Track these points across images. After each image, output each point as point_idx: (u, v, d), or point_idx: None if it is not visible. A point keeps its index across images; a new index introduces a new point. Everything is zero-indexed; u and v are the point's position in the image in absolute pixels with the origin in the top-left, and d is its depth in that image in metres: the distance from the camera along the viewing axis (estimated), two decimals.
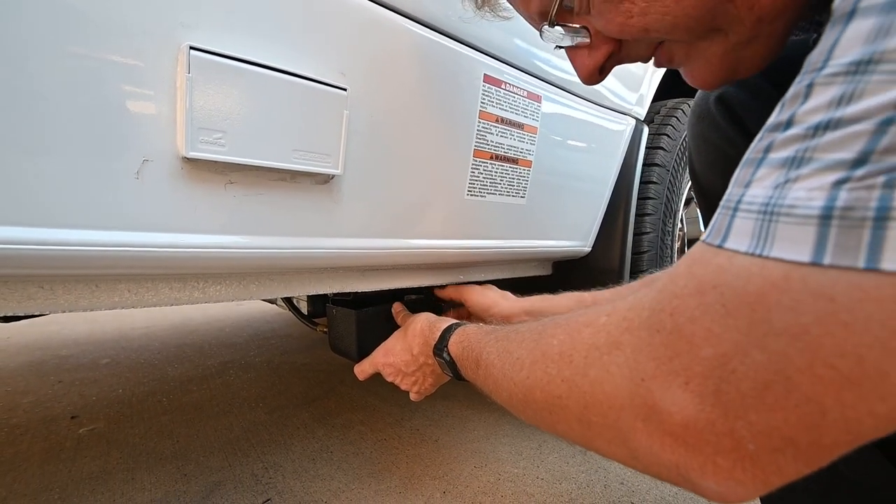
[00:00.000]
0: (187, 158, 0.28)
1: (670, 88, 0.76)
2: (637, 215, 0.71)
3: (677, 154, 0.78)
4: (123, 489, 0.59)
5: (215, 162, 0.29)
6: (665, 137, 0.75)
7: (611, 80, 0.63)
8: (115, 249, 0.27)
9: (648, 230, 0.73)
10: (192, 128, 0.27)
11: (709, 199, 0.45)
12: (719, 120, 0.41)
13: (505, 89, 0.47)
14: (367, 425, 0.78)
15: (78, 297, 0.31)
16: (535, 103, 0.51)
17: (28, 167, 0.24)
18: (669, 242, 0.79)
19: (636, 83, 0.67)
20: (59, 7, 0.23)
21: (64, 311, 0.31)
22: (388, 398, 0.89)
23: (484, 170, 0.48)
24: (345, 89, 0.34)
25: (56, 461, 0.66)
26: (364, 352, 0.50)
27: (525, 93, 0.50)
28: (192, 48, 0.26)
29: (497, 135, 0.48)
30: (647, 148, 0.72)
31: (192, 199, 0.29)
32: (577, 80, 0.56)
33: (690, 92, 0.87)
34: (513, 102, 0.48)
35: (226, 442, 0.72)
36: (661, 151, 0.74)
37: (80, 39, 0.24)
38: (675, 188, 0.79)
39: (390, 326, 0.53)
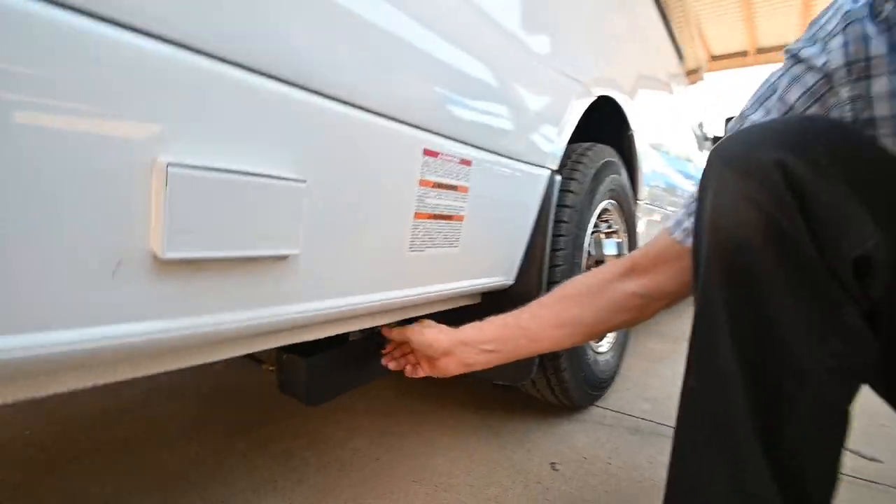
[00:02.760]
0: (163, 259, 0.31)
1: (575, 137, 0.88)
2: (551, 250, 0.82)
3: (584, 196, 0.91)
4: None
5: (189, 259, 0.32)
6: (574, 182, 0.88)
7: (531, 137, 0.73)
8: (91, 345, 0.30)
9: (560, 263, 0.84)
10: (170, 232, 0.30)
11: (731, 255, 0.36)
12: (780, 185, 0.33)
13: (441, 158, 0.54)
14: (309, 451, 0.81)
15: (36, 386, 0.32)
16: (467, 167, 0.59)
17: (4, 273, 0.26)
18: (578, 269, 0.92)
19: (551, 139, 0.78)
20: (45, 128, 0.25)
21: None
22: (328, 420, 0.93)
23: (423, 228, 0.55)
24: (304, 181, 0.38)
25: None
26: (314, 395, 0.54)
27: (458, 159, 0.57)
28: (169, 164, 0.30)
29: (434, 197, 0.55)
30: (559, 192, 0.84)
31: (164, 291, 0.32)
32: (504, 141, 0.64)
33: (594, 138, 1.01)
34: (448, 169, 0.56)
35: (162, 480, 0.71)
36: (570, 194, 0.86)
37: (64, 156, 0.26)
38: (582, 224, 0.92)
39: (340, 371, 0.57)
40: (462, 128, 0.57)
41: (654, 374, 1.34)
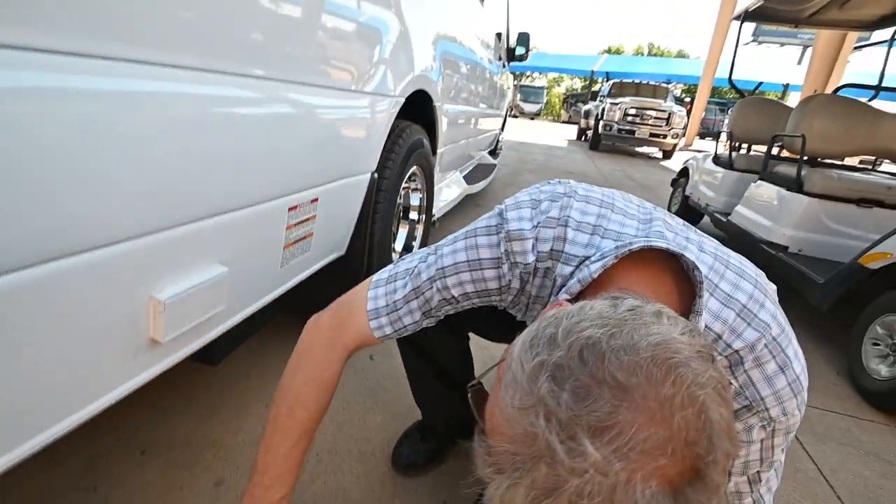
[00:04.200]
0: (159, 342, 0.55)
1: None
2: (371, 222, 1.17)
3: (396, 173, 1.24)
4: None
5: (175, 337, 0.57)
6: (388, 170, 1.19)
7: (357, 157, 1.00)
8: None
9: (378, 224, 1.20)
10: (169, 327, 0.55)
11: None
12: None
13: (301, 209, 0.80)
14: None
15: None
16: (314, 203, 0.86)
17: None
18: (391, 219, 1.29)
19: (372, 151, 1.06)
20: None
21: None
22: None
23: (288, 252, 0.82)
24: (227, 268, 0.63)
25: None
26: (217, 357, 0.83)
27: (308, 200, 0.83)
28: (166, 302, 0.53)
29: (295, 230, 0.82)
30: (377, 182, 1.15)
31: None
32: (338, 170, 0.90)
33: (413, 116, 1.30)
34: (302, 210, 0.82)
35: None
36: (385, 181, 1.19)
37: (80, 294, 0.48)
38: (394, 191, 1.26)
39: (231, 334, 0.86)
40: (310, 180, 0.82)
41: None
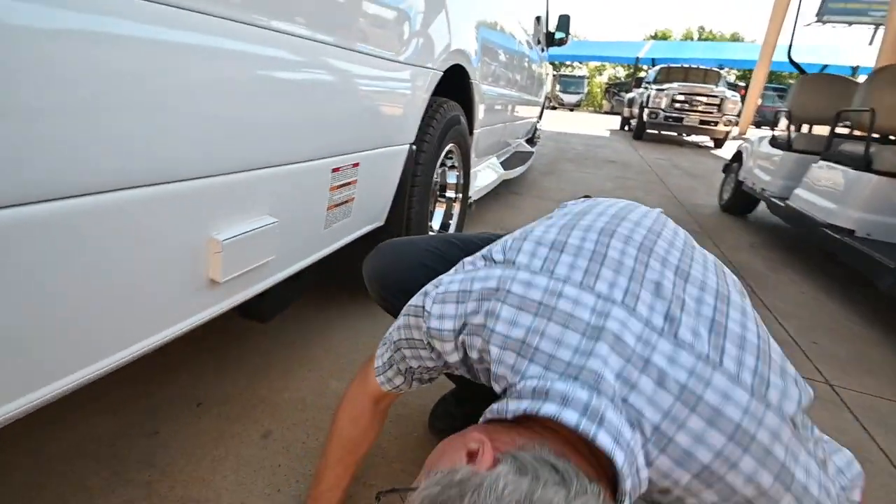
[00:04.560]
0: (218, 282, 0.59)
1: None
2: (409, 195, 1.19)
3: (433, 148, 1.25)
4: None
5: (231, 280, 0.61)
6: (426, 143, 1.21)
7: (395, 126, 1.01)
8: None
9: (415, 198, 1.22)
10: (226, 268, 0.58)
11: None
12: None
13: (344, 171, 0.83)
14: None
15: None
16: (355, 168, 0.88)
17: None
18: (428, 195, 1.31)
19: (410, 123, 1.08)
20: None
21: None
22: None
23: (334, 211, 0.85)
24: (277, 220, 0.66)
25: None
26: (267, 313, 0.87)
27: (350, 164, 0.86)
28: (223, 241, 0.56)
29: (338, 193, 0.85)
30: (415, 155, 1.17)
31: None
32: (377, 138, 0.92)
33: (450, 92, 1.30)
34: (344, 173, 0.85)
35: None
36: (423, 154, 1.20)
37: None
38: (431, 168, 1.28)
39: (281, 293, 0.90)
40: (352, 145, 0.84)
41: None
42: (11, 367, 0.39)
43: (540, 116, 4.57)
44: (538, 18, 3.35)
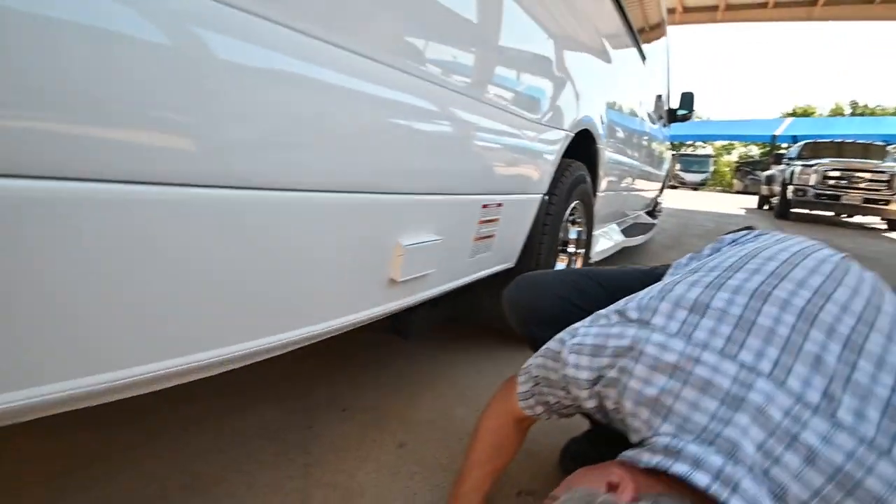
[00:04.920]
0: (396, 280, 0.72)
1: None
2: (538, 242, 1.27)
3: (561, 203, 1.34)
4: None
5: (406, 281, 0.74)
6: (555, 196, 1.31)
7: (532, 178, 1.14)
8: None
9: (543, 246, 1.30)
10: (405, 269, 0.72)
11: None
12: None
13: (490, 209, 0.96)
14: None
15: None
16: (499, 207, 1.00)
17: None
18: (554, 248, 1.38)
19: (543, 176, 1.20)
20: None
21: None
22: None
23: (478, 244, 0.97)
24: (440, 238, 0.80)
25: None
26: (416, 333, 0.99)
27: (495, 203, 0.98)
28: (405, 245, 0.70)
29: (483, 227, 0.97)
30: (546, 206, 1.27)
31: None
32: (517, 185, 1.06)
33: (578, 155, 1.42)
34: (490, 210, 0.97)
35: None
36: (552, 206, 1.30)
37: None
38: (558, 221, 1.36)
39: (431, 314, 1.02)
40: (499, 187, 0.98)
41: None
42: (271, 311, 0.54)
43: (661, 191, 4.45)
44: (659, 97, 3.42)
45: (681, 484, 0.38)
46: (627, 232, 2.73)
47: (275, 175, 0.47)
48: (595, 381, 0.49)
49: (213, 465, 0.85)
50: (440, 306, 1.08)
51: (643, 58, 2.46)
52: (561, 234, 1.50)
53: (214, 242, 0.43)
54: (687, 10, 10.25)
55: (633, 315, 0.49)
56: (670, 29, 3.72)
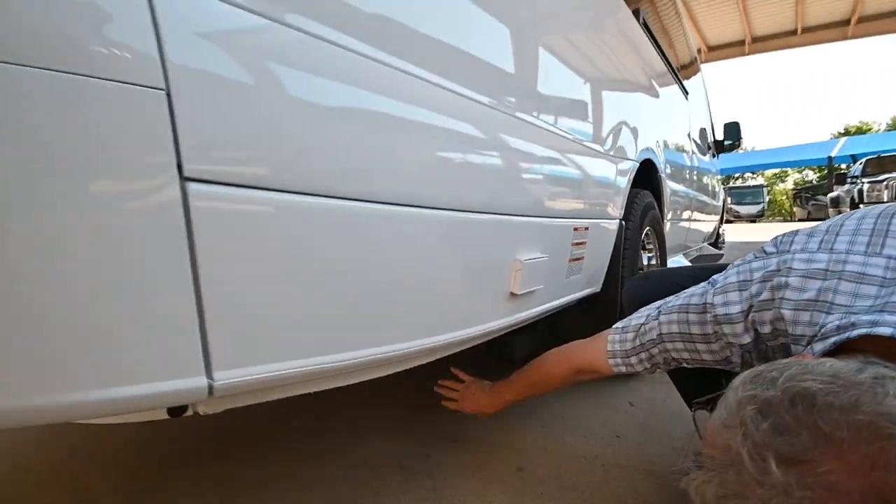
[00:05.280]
0: (514, 294, 0.80)
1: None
2: (620, 266, 1.32)
3: (636, 229, 1.40)
4: None
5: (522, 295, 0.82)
6: (630, 222, 1.37)
7: (610, 204, 1.22)
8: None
9: (625, 273, 1.33)
10: (522, 283, 0.80)
11: None
12: None
13: (580, 231, 1.04)
14: None
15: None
16: (586, 231, 1.08)
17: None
18: (634, 274, 1.41)
19: (619, 201, 1.27)
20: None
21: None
22: None
23: (571, 265, 1.04)
24: (546, 257, 0.88)
25: None
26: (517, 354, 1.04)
27: (584, 227, 1.06)
28: (524, 262, 0.79)
29: (576, 249, 1.04)
30: (625, 231, 1.33)
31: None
32: (599, 211, 1.13)
33: (644, 184, 1.50)
34: (580, 234, 1.05)
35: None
36: (629, 231, 1.36)
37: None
38: (636, 247, 1.41)
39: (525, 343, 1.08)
40: (585, 211, 1.06)
41: None
42: (422, 316, 0.63)
43: (721, 221, 4.33)
44: (703, 129, 3.47)
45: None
46: (695, 262, 2.68)
47: (436, 199, 0.59)
48: (747, 311, 0.53)
49: (348, 491, 0.91)
50: (539, 331, 1.13)
51: (685, 93, 2.57)
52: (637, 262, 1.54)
53: (394, 251, 0.54)
54: (712, 48, 10.45)
55: (771, 249, 0.56)
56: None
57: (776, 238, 0.59)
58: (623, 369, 0.71)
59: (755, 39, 10.25)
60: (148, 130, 0.33)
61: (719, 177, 4.35)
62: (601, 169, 1.16)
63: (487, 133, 0.69)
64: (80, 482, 0.96)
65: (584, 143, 1.03)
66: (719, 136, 3.96)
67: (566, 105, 0.95)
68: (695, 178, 2.77)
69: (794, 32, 9.73)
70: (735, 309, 0.54)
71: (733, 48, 10.56)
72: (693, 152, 2.80)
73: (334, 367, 0.49)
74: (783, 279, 0.50)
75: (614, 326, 0.74)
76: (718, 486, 0.36)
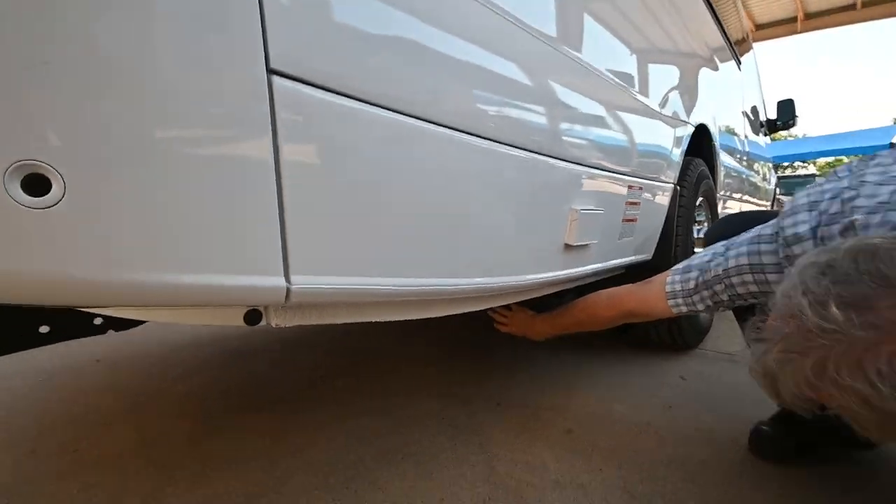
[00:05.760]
0: (568, 245, 0.78)
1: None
2: (675, 235, 1.26)
3: (690, 197, 1.33)
4: None
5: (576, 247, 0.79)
6: (685, 188, 1.30)
7: (665, 165, 1.16)
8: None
9: (678, 244, 1.28)
10: (577, 234, 0.77)
11: None
12: None
13: (634, 190, 0.99)
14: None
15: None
16: (640, 191, 1.04)
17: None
18: (690, 246, 1.35)
19: (674, 165, 1.21)
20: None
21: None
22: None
23: (624, 226, 1.00)
24: (602, 210, 0.85)
25: None
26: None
27: (638, 186, 1.02)
28: (580, 211, 0.76)
29: (629, 209, 1.00)
30: (679, 195, 1.27)
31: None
32: (654, 172, 1.08)
33: (697, 153, 1.42)
34: (634, 193, 1.01)
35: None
36: (683, 198, 1.29)
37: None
38: (690, 216, 1.34)
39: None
40: (640, 170, 1.02)
41: (737, 330, 1.74)
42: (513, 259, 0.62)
43: (772, 206, 4.10)
44: (755, 107, 3.28)
45: None
46: None
47: (509, 135, 0.58)
48: (815, 227, 0.52)
49: (395, 443, 0.92)
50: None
51: (739, 65, 2.42)
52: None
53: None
54: (760, 26, 9.81)
55: (844, 173, 0.55)
56: None
57: (849, 163, 0.57)
58: (683, 309, 0.72)
59: (808, 16, 9.54)
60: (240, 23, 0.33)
61: (771, 161, 4.11)
62: (659, 129, 1.11)
63: (559, 79, 0.68)
64: (142, 422, 1.01)
65: (644, 101, 0.99)
66: (771, 116, 3.73)
67: (630, 61, 0.91)
68: (746, 156, 2.62)
69: (852, 6, 9.00)
70: (803, 228, 0.53)
71: (783, 26, 9.88)
72: (746, 129, 2.65)
73: (399, 291, 0.49)
74: (854, 192, 0.49)
75: (673, 268, 0.75)
76: (780, 349, 0.36)
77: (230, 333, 1.82)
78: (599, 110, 0.81)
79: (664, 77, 1.14)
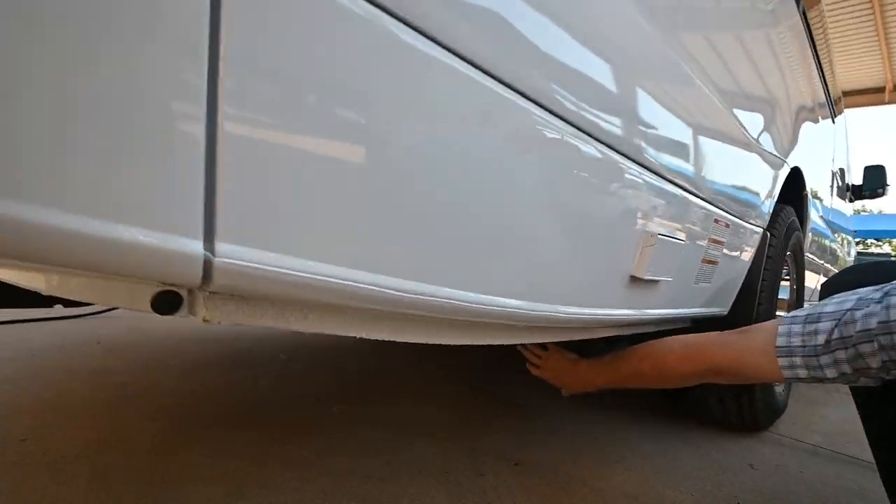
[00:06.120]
0: (634, 277, 0.60)
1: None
2: (759, 290, 1.03)
3: (779, 247, 1.11)
4: None
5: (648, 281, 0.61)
6: (774, 237, 1.08)
7: (756, 205, 0.96)
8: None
9: (763, 302, 1.05)
10: (649, 265, 0.59)
11: None
12: None
13: (720, 227, 0.80)
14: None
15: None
16: (726, 228, 0.84)
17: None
18: (773, 306, 1.11)
19: (766, 206, 1.01)
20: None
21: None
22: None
23: (703, 268, 0.81)
24: (684, 241, 0.66)
25: None
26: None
27: (724, 223, 0.82)
28: (658, 234, 0.59)
29: (711, 248, 0.81)
30: (768, 242, 1.05)
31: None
32: (743, 210, 0.88)
33: (787, 200, 1.20)
34: (719, 230, 0.81)
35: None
36: (772, 247, 1.07)
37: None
38: (777, 271, 1.11)
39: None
40: (729, 204, 0.82)
41: (816, 414, 1.44)
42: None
43: None
44: (842, 170, 2.98)
45: None
46: None
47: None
48: None
49: (381, 492, 0.74)
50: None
51: (833, 121, 2.17)
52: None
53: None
54: (845, 94, 9.27)
55: None
56: None
57: None
58: (801, 373, 0.54)
59: None
60: None
61: (854, 233, 3.72)
62: (755, 163, 0.92)
63: (660, 83, 0.54)
64: (111, 419, 0.89)
65: (745, 130, 0.81)
66: (856, 181, 3.39)
67: (736, 89, 0.75)
68: (831, 217, 2.32)
69: None
70: None
71: (870, 95, 9.33)
72: (833, 190, 2.36)
73: (389, 296, 0.33)
74: None
75: (787, 316, 0.56)
76: None
77: (242, 333, 1.73)
78: (699, 122, 0.64)
79: (768, 113, 0.96)
